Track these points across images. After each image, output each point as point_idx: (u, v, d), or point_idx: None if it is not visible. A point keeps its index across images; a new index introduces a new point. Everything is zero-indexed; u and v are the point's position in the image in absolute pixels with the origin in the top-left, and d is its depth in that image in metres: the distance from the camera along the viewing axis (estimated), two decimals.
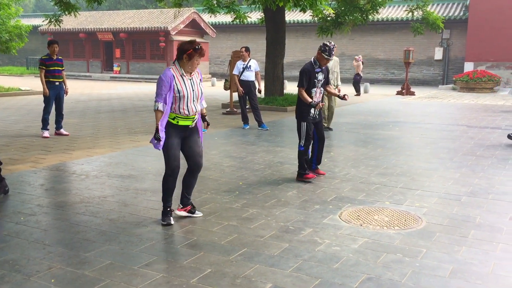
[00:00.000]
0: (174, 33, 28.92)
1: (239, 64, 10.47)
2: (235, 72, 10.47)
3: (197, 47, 4.22)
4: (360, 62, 20.17)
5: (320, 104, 5.97)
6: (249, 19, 27.89)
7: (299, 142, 6.11)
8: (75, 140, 8.79)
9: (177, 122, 4.33)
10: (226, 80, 12.82)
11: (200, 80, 4.47)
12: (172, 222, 4.48)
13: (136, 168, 6.63)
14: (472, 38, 25.09)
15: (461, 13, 27.48)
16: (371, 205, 5.11)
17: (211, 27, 31.25)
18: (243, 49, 10.48)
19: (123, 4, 45.07)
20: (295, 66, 31.44)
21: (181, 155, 4.65)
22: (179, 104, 4.29)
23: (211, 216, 4.72)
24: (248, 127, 10.58)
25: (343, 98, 6.28)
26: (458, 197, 5.43)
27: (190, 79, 4.33)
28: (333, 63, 10.13)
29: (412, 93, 20.51)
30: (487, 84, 21.84)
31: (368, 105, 16.22)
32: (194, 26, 30.56)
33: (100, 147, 8.18)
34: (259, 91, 10.51)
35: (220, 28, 33.28)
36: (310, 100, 5.92)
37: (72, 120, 11.57)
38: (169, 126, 4.33)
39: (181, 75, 4.27)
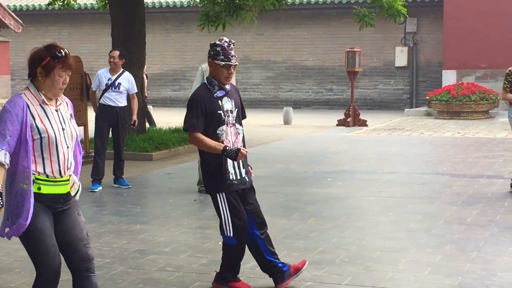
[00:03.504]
0: None
1: (102, 75, 10.73)
2: (95, 86, 10.83)
3: (59, 53, 4.35)
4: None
5: (243, 150, 5.65)
6: (80, 1, 27.81)
7: (223, 231, 5.84)
8: None
9: (39, 189, 4.31)
10: None
11: (72, 115, 4.55)
12: None
13: None
14: (451, 32, 26.77)
15: None
16: None
17: (13, 15, 30.69)
18: (116, 52, 10.79)
19: None
20: (166, 82, 31.64)
21: None
22: (42, 155, 4.31)
23: None
24: (100, 188, 10.59)
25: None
26: None
27: (56, 110, 4.43)
28: None
29: (363, 123, 21.38)
30: (479, 106, 23.34)
31: (292, 145, 16.63)
32: None
33: None
34: (133, 125, 10.86)
35: (30, 17, 32.79)
36: (217, 145, 5.59)
37: None
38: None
39: (40, 104, 4.37)
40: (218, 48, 5.77)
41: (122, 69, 10.90)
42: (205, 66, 10.41)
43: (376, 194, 10.20)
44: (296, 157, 14.29)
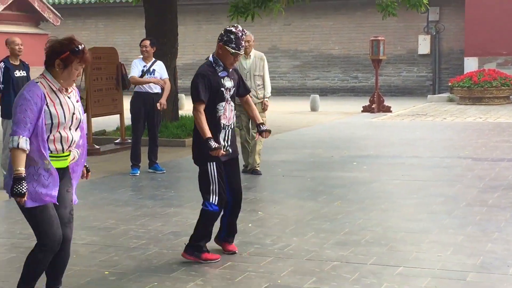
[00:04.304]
0: None
1: (138, 64, 10.89)
2: (134, 72, 10.84)
3: (77, 48, 4.53)
4: None
5: (218, 152, 5.88)
6: None
7: (208, 197, 6.09)
8: None
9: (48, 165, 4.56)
10: (80, 98, 12.69)
11: (78, 100, 4.75)
12: None
13: None
14: (473, 21, 26.57)
15: None
16: None
17: (52, 9, 30.93)
18: (147, 42, 10.95)
19: None
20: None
21: None
22: (49, 136, 4.54)
23: None
24: (139, 173, 10.72)
25: (261, 133, 6.39)
26: (462, 275, 5.65)
27: (69, 97, 4.63)
28: (253, 63, 10.40)
29: (387, 109, 21.33)
30: (500, 91, 23.16)
31: (318, 131, 16.63)
32: (22, 7, 30.10)
33: None
34: (161, 106, 10.81)
35: (68, 11, 33.02)
36: (207, 131, 5.87)
37: None
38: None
39: (55, 91, 4.57)
40: (232, 36, 6.05)
41: (154, 58, 10.96)
42: None
43: (400, 177, 10.18)
44: (322, 143, 14.28)
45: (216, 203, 6.06)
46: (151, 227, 7.39)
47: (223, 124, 6.09)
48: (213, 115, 6.04)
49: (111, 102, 13.35)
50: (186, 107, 22.17)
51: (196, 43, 31.32)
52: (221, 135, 6.10)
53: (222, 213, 6.25)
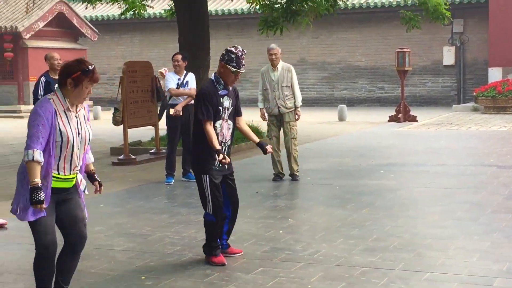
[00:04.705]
0: (28, 35, 28.67)
1: (173, 77, 10.99)
2: (171, 85, 10.91)
3: (87, 68, 4.66)
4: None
5: (224, 161, 6.07)
6: (150, 11, 28.13)
7: (204, 208, 6.31)
8: None
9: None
10: (116, 110, 12.79)
11: (87, 118, 4.86)
12: None
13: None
14: (497, 31, 26.42)
15: None
16: None
17: (90, 25, 31.27)
18: (179, 56, 11.08)
19: None
20: None
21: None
22: (59, 155, 4.65)
23: None
24: (173, 181, 10.78)
25: (264, 150, 6.47)
26: (488, 281, 5.61)
27: (76, 116, 4.74)
28: (280, 74, 10.45)
29: (413, 119, 21.27)
30: None
31: (346, 140, 16.59)
32: (62, 24, 30.47)
33: None
34: (175, 112, 10.83)
35: (105, 26, 33.35)
36: (217, 144, 6.07)
37: None
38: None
39: (65, 111, 4.68)
40: (233, 56, 6.17)
41: (185, 70, 11.06)
42: (264, 68, 10.61)
43: (426, 185, 10.13)
44: (350, 151, 14.26)
45: (211, 213, 6.25)
46: (185, 234, 7.43)
47: (219, 141, 6.20)
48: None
49: (146, 114, 13.43)
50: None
51: None
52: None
53: (222, 222, 6.42)
